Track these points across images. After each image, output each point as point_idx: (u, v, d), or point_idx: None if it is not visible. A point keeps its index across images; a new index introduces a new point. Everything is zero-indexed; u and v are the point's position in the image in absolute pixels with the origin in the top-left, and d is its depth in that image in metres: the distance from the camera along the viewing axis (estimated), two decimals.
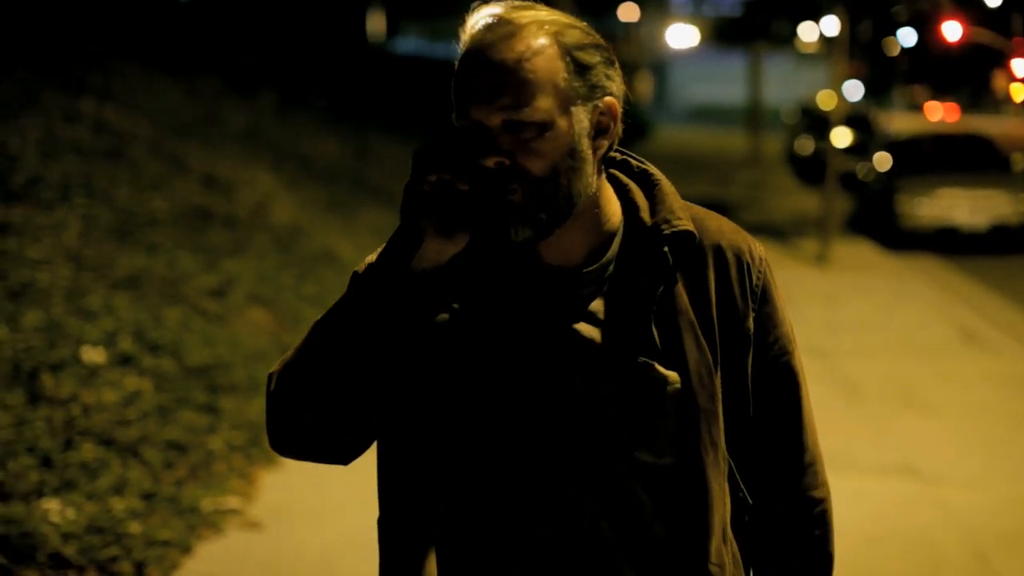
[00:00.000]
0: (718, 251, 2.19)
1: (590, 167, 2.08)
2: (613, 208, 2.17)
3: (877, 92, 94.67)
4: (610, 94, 2.10)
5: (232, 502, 6.35)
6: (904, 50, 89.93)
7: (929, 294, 14.67)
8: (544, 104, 2.01)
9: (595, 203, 2.13)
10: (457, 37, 2.13)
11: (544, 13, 2.09)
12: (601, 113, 2.09)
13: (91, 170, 10.84)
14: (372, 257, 2.11)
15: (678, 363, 2.11)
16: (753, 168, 30.94)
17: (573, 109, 2.05)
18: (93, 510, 5.78)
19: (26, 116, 11.19)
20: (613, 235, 2.16)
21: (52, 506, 5.69)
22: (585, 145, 2.07)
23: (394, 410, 2.13)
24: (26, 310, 7.52)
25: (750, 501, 2.27)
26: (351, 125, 21.60)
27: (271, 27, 26.39)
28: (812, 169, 28.04)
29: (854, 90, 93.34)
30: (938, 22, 30.74)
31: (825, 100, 19.66)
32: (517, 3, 2.10)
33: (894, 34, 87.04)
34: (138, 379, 7.37)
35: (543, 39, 2.04)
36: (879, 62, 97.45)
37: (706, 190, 25.27)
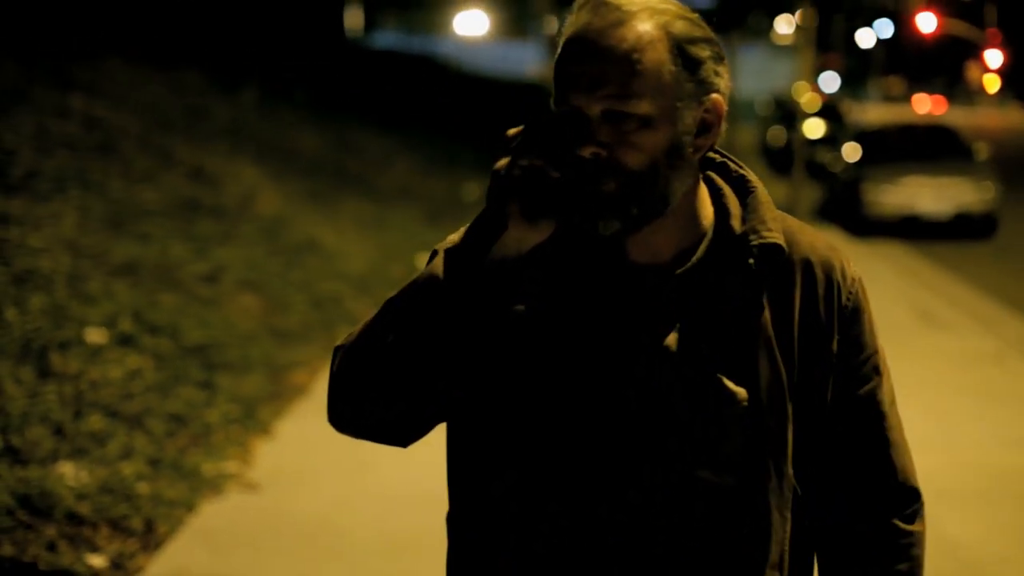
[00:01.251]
0: (807, 266, 2.11)
1: (689, 166, 2.02)
2: (706, 211, 2.10)
3: (853, 84, 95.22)
4: (717, 91, 2.02)
5: (231, 467, 6.85)
6: (880, 41, 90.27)
7: (891, 278, 15.23)
8: (648, 97, 1.94)
9: (689, 204, 2.06)
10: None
11: (655, 1, 2.00)
12: (706, 111, 2.01)
13: (84, 164, 11.32)
14: (455, 237, 2.06)
15: (749, 380, 2.04)
16: None
17: (678, 105, 1.97)
18: (104, 474, 6.28)
19: (18, 112, 11.65)
20: (702, 239, 2.08)
21: (66, 470, 6.20)
22: (687, 143, 2.00)
23: (465, 397, 2.07)
24: (31, 294, 8.01)
25: (815, 531, 2.20)
26: (331, 119, 22.03)
27: (250, 22, 26.71)
28: (784, 160, 28.51)
29: (830, 81, 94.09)
30: (912, 14, 31.28)
31: (798, 92, 20.16)
32: None
33: (870, 25, 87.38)
34: (139, 357, 7.88)
35: (653, 29, 1.96)
36: (855, 54, 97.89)
37: None
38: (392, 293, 2.05)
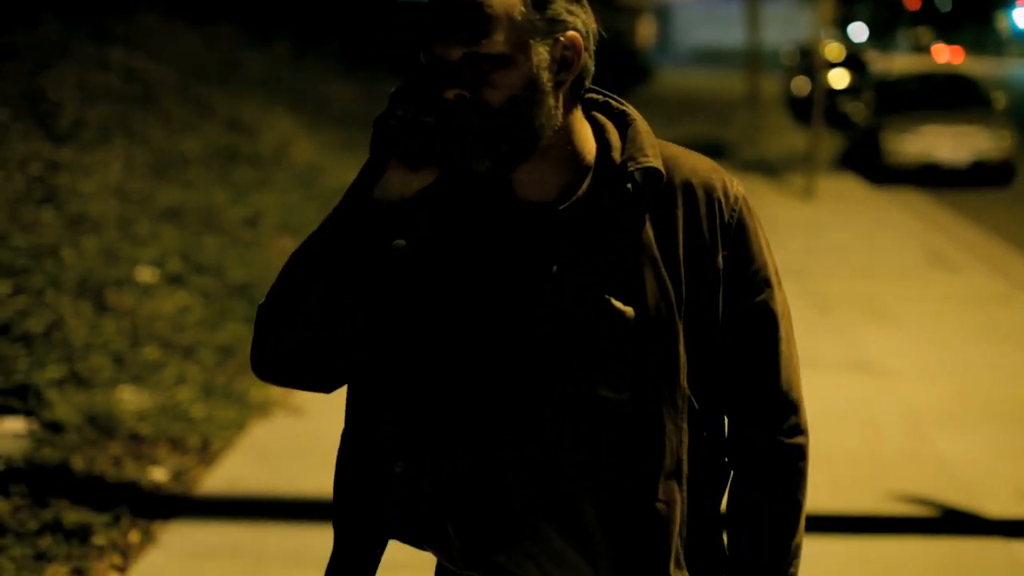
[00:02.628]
0: (688, 188, 2.21)
1: (551, 100, 2.12)
2: (588, 147, 2.20)
3: (882, 34, 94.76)
4: (573, 29, 2.12)
5: (275, 394, 7.37)
6: None
7: (906, 222, 15.65)
8: (501, 38, 2.05)
9: (567, 140, 2.17)
10: None
11: None
12: (564, 48, 2.11)
13: (126, 114, 11.83)
14: None
15: (636, 299, 2.15)
16: (751, 109, 31.78)
17: (531, 43, 2.07)
18: (161, 398, 6.82)
19: (61, 65, 12.12)
20: (587, 173, 2.19)
21: (127, 394, 6.73)
22: (545, 78, 2.10)
23: (366, 334, 2.17)
24: (84, 236, 8.54)
25: (719, 441, 2.32)
26: (361, 70, 22.47)
27: None
28: (808, 109, 28.77)
29: (859, 32, 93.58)
30: None
31: (820, 42, 20.48)
32: None
33: None
34: (187, 294, 8.41)
35: None
36: (883, 3, 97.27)
37: (704, 130, 26.18)
38: None
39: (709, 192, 2.22)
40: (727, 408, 2.31)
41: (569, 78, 2.14)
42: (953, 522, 6.04)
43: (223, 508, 5.93)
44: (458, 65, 2.07)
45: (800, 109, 32.28)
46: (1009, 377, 8.45)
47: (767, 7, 41.38)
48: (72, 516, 5.35)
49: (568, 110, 2.17)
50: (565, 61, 2.13)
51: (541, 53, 2.09)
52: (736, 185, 2.27)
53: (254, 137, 13.65)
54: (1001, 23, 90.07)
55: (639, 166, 2.18)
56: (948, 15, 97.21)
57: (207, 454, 6.43)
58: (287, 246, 10.59)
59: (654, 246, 2.17)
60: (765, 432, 2.29)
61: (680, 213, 2.20)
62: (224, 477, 6.22)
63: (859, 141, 22.34)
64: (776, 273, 2.30)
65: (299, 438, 6.77)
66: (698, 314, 2.20)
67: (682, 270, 2.18)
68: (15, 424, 6.08)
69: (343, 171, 14.37)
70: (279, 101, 16.37)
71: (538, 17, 2.09)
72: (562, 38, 2.11)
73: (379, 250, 2.11)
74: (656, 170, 2.18)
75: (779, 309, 2.28)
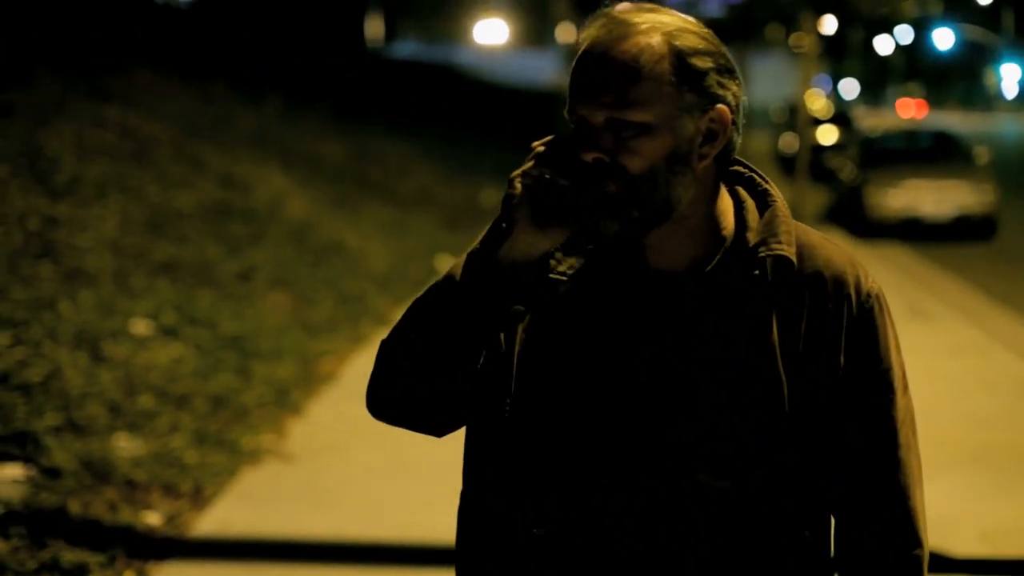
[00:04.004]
0: (818, 279, 2.15)
1: (692, 172, 2.08)
2: (726, 222, 2.16)
3: (873, 90, 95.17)
4: (722, 102, 2.08)
5: (267, 441, 7.60)
6: (899, 48, 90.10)
7: (887, 276, 15.89)
8: (648, 106, 2.02)
9: (705, 212, 2.14)
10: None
11: (665, 16, 2.08)
12: (712, 121, 2.08)
13: (122, 171, 12.09)
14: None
15: (747, 387, 2.10)
16: None
17: (678, 113, 2.04)
18: (155, 445, 7.05)
19: (58, 122, 12.39)
20: (720, 249, 2.15)
21: (122, 442, 6.95)
22: (688, 150, 2.06)
23: (485, 391, 2.16)
24: (80, 290, 8.79)
25: (824, 545, 2.24)
26: (353, 127, 22.74)
27: (272, 33, 27.34)
28: (797, 166, 29.21)
29: (849, 88, 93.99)
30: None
31: (811, 99, 20.79)
32: (643, 5, 2.11)
33: (889, 33, 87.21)
34: (181, 346, 8.65)
35: (655, 42, 2.04)
36: (873, 61, 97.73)
37: None
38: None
39: (840, 286, 2.16)
40: (838, 513, 2.23)
41: (713, 151, 2.10)
42: None
43: (215, 550, 6.16)
44: (600, 129, 2.04)
45: (788, 165, 32.61)
46: (978, 424, 8.70)
47: (756, 63, 41.80)
48: (69, 556, 5.58)
49: (709, 182, 2.14)
50: (711, 134, 2.09)
51: (687, 125, 2.06)
52: (871, 281, 2.21)
53: (247, 193, 13.92)
54: (989, 79, 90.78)
55: (771, 252, 2.12)
56: (937, 71, 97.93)
57: (199, 499, 6.65)
58: (279, 300, 10.84)
59: (775, 335, 2.11)
60: (878, 542, 2.20)
61: (807, 304, 2.14)
62: (216, 521, 6.44)
63: (844, 196, 22.65)
64: (903, 377, 2.22)
65: (288, 484, 7.00)
66: (813, 411, 2.13)
67: (800, 363, 2.12)
68: (14, 470, 6.31)
69: (335, 226, 14.64)
70: (272, 158, 16.64)
71: (687, 88, 2.05)
72: (711, 111, 2.08)
73: (497, 312, 2.08)
74: (787, 259, 2.12)
75: (899, 415, 2.20)
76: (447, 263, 15.78)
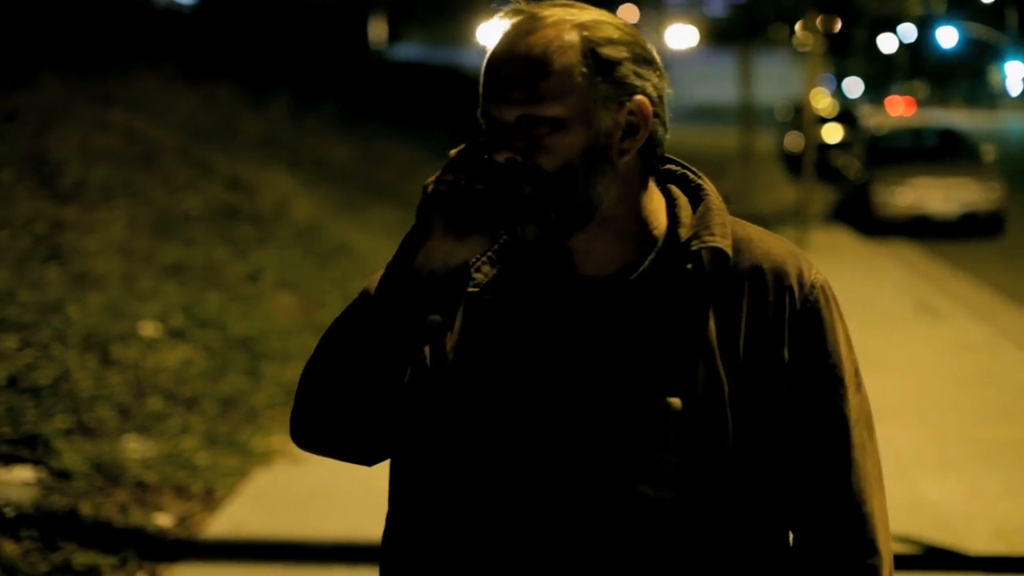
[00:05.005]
0: (756, 272, 2.03)
1: (612, 168, 1.98)
2: (657, 221, 2.05)
3: (877, 89, 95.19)
4: (641, 93, 1.98)
5: (277, 443, 7.57)
6: (903, 46, 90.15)
7: (895, 273, 15.91)
8: (559, 100, 1.93)
9: (632, 212, 2.03)
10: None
11: (576, 10, 2.00)
12: (630, 113, 1.98)
13: (128, 174, 12.09)
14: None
15: (685, 390, 1.98)
16: (745, 164, 32.04)
17: (592, 107, 1.95)
18: (166, 447, 7.03)
19: (64, 126, 12.40)
20: (653, 249, 2.04)
21: (133, 444, 6.94)
22: (607, 145, 1.96)
23: (408, 407, 2.04)
24: (88, 293, 8.78)
25: (780, 554, 2.10)
26: (359, 129, 22.76)
27: (277, 36, 27.37)
28: (803, 165, 29.18)
29: (854, 87, 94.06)
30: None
31: (816, 98, 20.77)
32: (556, 0, 2.03)
33: (893, 31, 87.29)
34: (190, 348, 8.63)
35: (566, 35, 1.95)
36: (877, 59, 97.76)
37: None
38: None
39: (780, 278, 2.04)
40: (792, 519, 2.09)
41: (634, 146, 1.99)
42: (935, 560, 6.26)
43: (226, 552, 6.15)
44: (512, 128, 1.95)
45: (794, 164, 32.59)
46: (990, 421, 8.68)
47: (761, 63, 41.75)
48: (81, 558, 5.56)
49: (635, 180, 2.02)
50: (631, 128, 1.99)
51: (603, 118, 1.96)
52: (815, 273, 2.07)
53: (254, 195, 13.91)
54: (994, 77, 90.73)
55: (703, 245, 2.01)
56: (941, 69, 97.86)
57: (211, 500, 6.63)
58: (287, 302, 10.83)
59: (713, 333, 2.00)
60: (829, 549, 2.05)
61: (745, 300, 2.02)
62: (227, 522, 6.42)
63: (851, 194, 22.64)
64: (856, 374, 2.09)
65: (300, 485, 6.98)
66: (758, 412, 2.01)
67: (741, 363, 2.00)
68: (24, 473, 6.29)
69: (342, 228, 14.63)
70: (278, 159, 16.65)
71: (600, 79, 1.95)
72: (628, 103, 1.98)
73: (414, 324, 1.97)
74: (721, 251, 2.01)
75: (852, 413, 2.05)
76: None
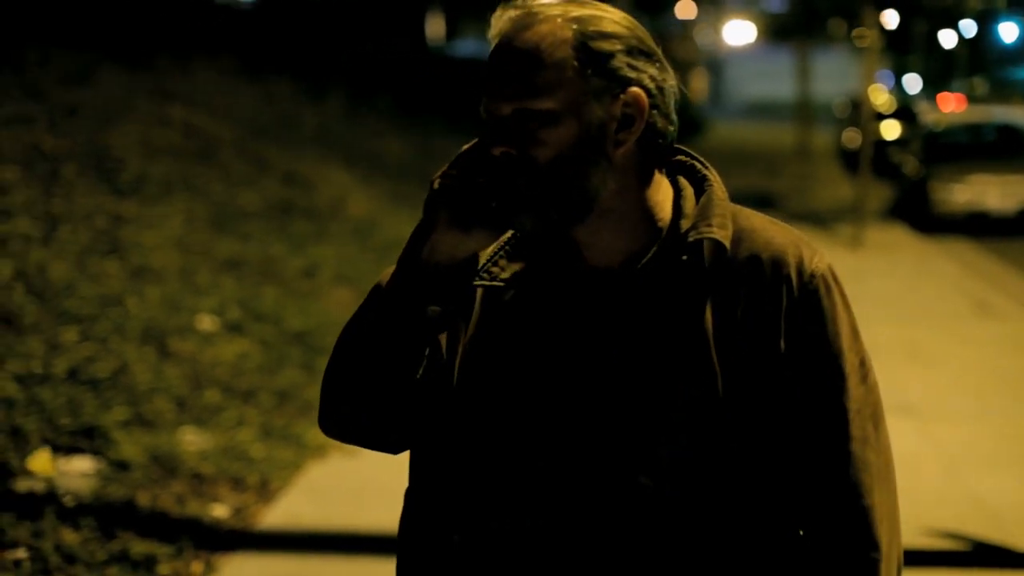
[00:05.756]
0: (754, 262, 2.03)
1: (609, 161, 1.99)
2: (662, 212, 2.06)
3: (937, 85, 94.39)
4: (636, 84, 1.99)
5: None
6: (963, 41, 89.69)
7: (951, 271, 15.83)
8: (550, 93, 1.96)
9: (634, 204, 2.04)
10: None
11: (574, 6, 2.02)
12: (626, 105, 1.99)
13: (186, 169, 12.22)
14: None
15: (682, 383, 1.99)
16: (802, 161, 31.99)
17: (584, 100, 1.97)
18: (222, 439, 7.12)
19: (123, 122, 12.54)
20: (657, 240, 2.05)
21: (189, 436, 7.03)
22: (600, 137, 1.98)
23: (424, 395, 2.09)
24: (147, 286, 8.89)
25: (783, 548, 2.07)
26: (414, 125, 22.86)
27: (335, 32, 27.51)
28: (859, 161, 29.02)
29: (913, 83, 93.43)
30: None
31: (874, 94, 20.66)
32: None
33: (954, 27, 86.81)
34: (246, 342, 8.73)
35: (559, 30, 1.98)
36: (937, 55, 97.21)
37: (754, 182, 26.40)
38: None
39: (778, 267, 2.03)
40: (796, 512, 2.07)
41: (630, 137, 2.00)
42: (986, 556, 6.26)
43: (281, 542, 6.22)
44: (508, 121, 1.98)
45: (851, 161, 32.39)
46: None
47: (818, 59, 41.61)
48: (138, 548, 5.65)
49: (635, 172, 2.03)
50: (627, 119, 2.00)
51: (595, 110, 1.98)
52: (816, 261, 2.05)
53: (310, 191, 14.02)
54: None
55: (700, 236, 2.02)
56: (1002, 65, 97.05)
57: (266, 492, 6.72)
58: (343, 297, 10.91)
59: (710, 325, 2.00)
60: (828, 543, 2.04)
61: (744, 290, 2.02)
62: (282, 514, 6.50)
63: (908, 191, 22.51)
64: (862, 364, 2.07)
65: (354, 478, 7.05)
66: (758, 404, 2.01)
67: (740, 354, 2.00)
68: (83, 463, 6.39)
69: (397, 224, 14.70)
70: (334, 155, 16.76)
71: (592, 72, 1.97)
72: (623, 95, 1.99)
73: (419, 315, 2.01)
74: (715, 241, 2.02)
75: (852, 404, 2.04)
76: None
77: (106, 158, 11.17)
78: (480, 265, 2.11)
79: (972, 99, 45.92)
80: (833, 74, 63.08)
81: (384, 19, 32.42)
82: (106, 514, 5.95)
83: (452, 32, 50.98)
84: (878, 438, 2.07)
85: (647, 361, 2.00)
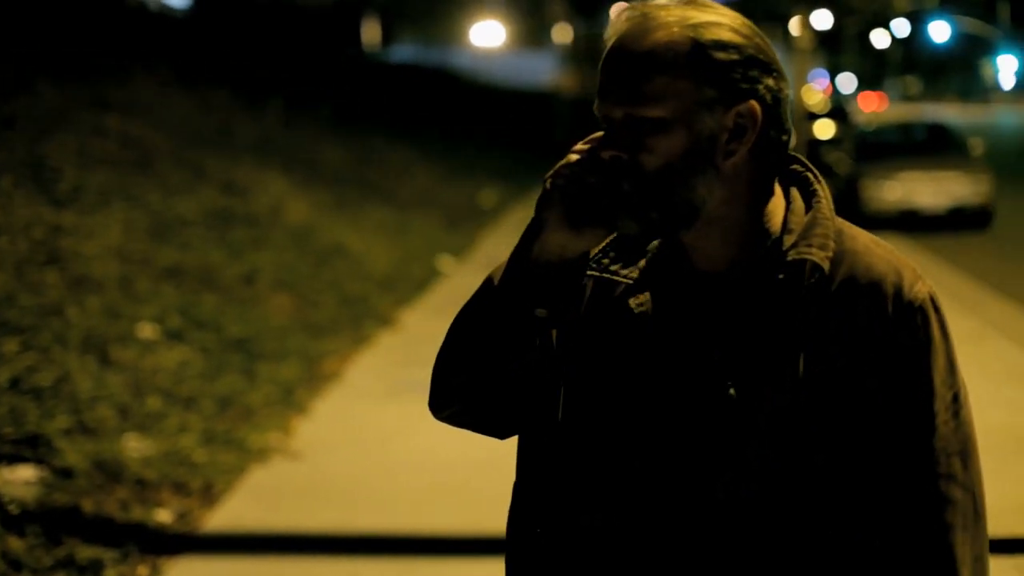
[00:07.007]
0: (852, 287, 1.98)
1: (717, 171, 1.97)
2: (772, 223, 2.03)
3: (870, 84, 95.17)
4: (752, 96, 1.96)
5: (274, 440, 7.74)
6: (895, 41, 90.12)
7: None
8: (662, 102, 1.94)
9: (744, 213, 2.01)
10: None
11: (693, 10, 1.98)
12: (739, 116, 1.95)
13: (124, 179, 12.25)
14: None
15: (769, 387, 1.97)
16: None
17: (695, 110, 1.94)
18: (164, 445, 7.19)
19: (60, 132, 12.55)
20: (763, 251, 2.02)
21: (132, 442, 7.10)
22: (710, 148, 1.95)
23: (533, 387, 2.10)
24: (87, 296, 8.94)
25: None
26: (353, 131, 22.89)
27: (270, 39, 27.49)
28: None
29: (847, 82, 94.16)
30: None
31: (807, 94, 20.91)
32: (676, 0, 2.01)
33: (886, 27, 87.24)
34: (187, 349, 8.80)
35: (675, 38, 1.95)
36: (870, 54, 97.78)
37: None
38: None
39: (876, 293, 1.97)
40: (873, 539, 2.00)
41: (742, 148, 1.97)
42: None
43: (225, 545, 6.31)
44: (619, 126, 1.96)
45: None
46: (976, 410, 8.82)
47: None
48: (84, 553, 5.73)
49: (745, 182, 2.00)
50: (739, 130, 1.96)
51: (707, 121, 1.95)
52: (917, 289, 1.98)
53: (248, 198, 14.07)
54: (986, 71, 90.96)
55: (799, 256, 1.97)
56: (934, 64, 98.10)
57: (209, 496, 6.80)
58: (283, 303, 10.99)
59: (802, 338, 1.96)
60: None
61: (839, 312, 1.97)
62: (226, 517, 6.58)
63: (841, 190, 22.79)
64: (955, 400, 2.01)
65: (296, 480, 7.14)
66: (842, 423, 1.96)
67: (828, 371, 1.96)
68: (27, 471, 6.45)
69: (335, 229, 14.79)
70: (272, 163, 16.80)
71: (706, 83, 1.94)
72: (738, 106, 1.95)
73: (526, 313, 2.03)
74: (816, 264, 1.97)
75: (938, 444, 1.98)
76: (448, 263, 16.07)
77: (43, 168, 11.20)
78: (592, 256, 2.12)
79: (906, 98, 46.17)
80: None
81: (320, 26, 32.43)
82: (51, 521, 6.02)
83: (388, 38, 50.95)
84: (967, 475, 2.01)
85: (744, 368, 1.98)
